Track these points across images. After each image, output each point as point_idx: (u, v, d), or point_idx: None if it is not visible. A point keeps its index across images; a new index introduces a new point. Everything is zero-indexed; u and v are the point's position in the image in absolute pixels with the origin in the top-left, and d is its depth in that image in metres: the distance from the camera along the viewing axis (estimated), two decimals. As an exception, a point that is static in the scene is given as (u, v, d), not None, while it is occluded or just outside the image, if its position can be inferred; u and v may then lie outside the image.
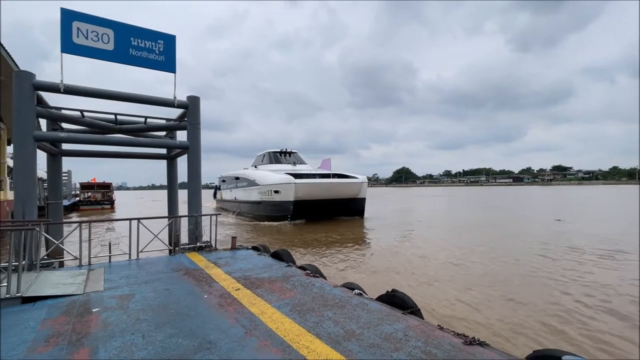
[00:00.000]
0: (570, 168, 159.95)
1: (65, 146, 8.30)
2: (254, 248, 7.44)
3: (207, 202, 34.46)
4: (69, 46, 6.12)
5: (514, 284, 7.17)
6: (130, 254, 6.45)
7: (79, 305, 3.87)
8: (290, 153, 25.70)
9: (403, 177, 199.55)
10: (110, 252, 6.34)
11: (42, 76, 6.07)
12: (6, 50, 7.99)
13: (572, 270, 8.14)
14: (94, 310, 3.72)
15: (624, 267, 8.36)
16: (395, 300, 3.85)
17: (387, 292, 4.05)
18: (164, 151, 9.45)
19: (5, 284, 4.02)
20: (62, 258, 6.36)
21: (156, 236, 6.78)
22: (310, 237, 13.61)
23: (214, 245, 7.52)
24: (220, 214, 9.64)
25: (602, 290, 6.62)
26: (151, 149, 8.81)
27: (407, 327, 3.16)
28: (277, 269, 5.52)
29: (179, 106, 7.50)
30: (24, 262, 4.75)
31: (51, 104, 6.99)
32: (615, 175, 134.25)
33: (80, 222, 6.18)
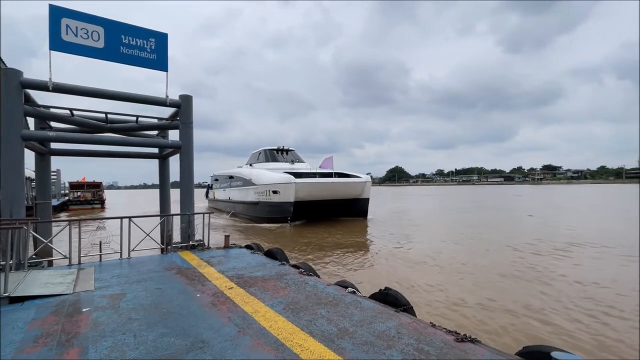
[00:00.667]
0: (560, 167, 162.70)
1: (54, 145, 8.16)
2: (248, 247, 7.42)
3: (199, 202, 33.90)
4: (57, 43, 6.02)
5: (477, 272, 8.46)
6: (121, 253, 6.37)
7: (69, 305, 3.82)
8: (287, 151, 24.46)
9: (396, 176, 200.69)
10: (100, 251, 6.26)
11: (29, 74, 5.96)
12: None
13: (524, 259, 9.69)
14: (84, 310, 3.67)
15: (561, 256, 9.88)
16: (389, 298, 3.87)
17: (381, 290, 4.08)
18: (156, 150, 9.36)
19: (-8, 285, 3.94)
20: (51, 257, 6.25)
21: (148, 235, 6.71)
22: (315, 241, 12.76)
23: (206, 244, 7.47)
24: (213, 213, 9.55)
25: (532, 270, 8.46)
26: (143, 148, 8.71)
27: (400, 325, 3.18)
28: (270, 267, 5.52)
29: (171, 105, 7.43)
30: (11, 262, 4.67)
31: (39, 102, 6.87)
32: (602, 175, 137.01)
33: (70, 221, 6.09)
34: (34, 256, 5.79)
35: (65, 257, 5.87)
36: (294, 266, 5.56)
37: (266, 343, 2.83)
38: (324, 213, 19.12)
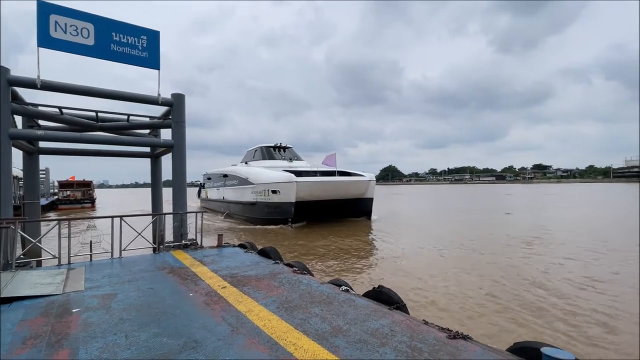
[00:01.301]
0: (550, 167, 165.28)
1: (43, 144, 8.01)
2: (241, 245, 7.39)
3: (191, 202, 33.24)
4: (46, 40, 5.90)
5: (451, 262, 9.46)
6: (112, 253, 6.29)
7: (58, 306, 3.76)
8: (285, 148, 23.24)
9: (390, 175, 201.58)
10: (91, 251, 6.17)
11: (16, 70, 5.84)
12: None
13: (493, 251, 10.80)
14: (74, 310, 3.61)
15: (524, 250, 10.82)
16: (382, 296, 3.90)
17: (374, 288, 4.10)
18: (147, 149, 9.25)
19: (-21, 286, 3.86)
20: (40, 257, 6.14)
21: (140, 234, 6.64)
22: (320, 244, 12.00)
23: (199, 243, 7.42)
24: (206, 212, 9.47)
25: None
26: (134, 147, 8.61)
27: (393, 323, 3.20)
28: (264, 266, 5.50)
29: (163, 104, 7.35)
30: (-1, 263, 4.57)
31: (27, 100, 6.73)
32: (591, 174, 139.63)
33: (60, 220, 5.99)
34: (22, 256, 5.69)
35: (54, 257, 5.78)
36: (288, 265, 5.55)
37: (260, 342, 2.83)
38: (325, 214, 18.15)
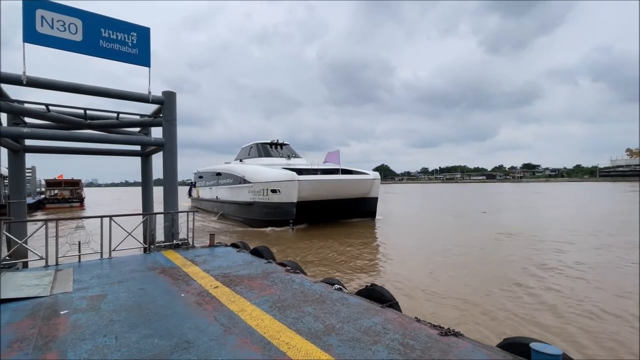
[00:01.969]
0: (539, 166, 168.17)
1: (29, 142, 7.82)
2: (233, 245, 7.34)
3: (182, 201, 32.36)
4: (32, 36, 5.75)
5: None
6: (102, 253, 6.18)
7: (46, 308, 3.68)
8: (282, 145, 22.08)
9: (382, 174, 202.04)
10: (80, 252, 6.05)
11: (1, 66, 5.68)
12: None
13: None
14: (62, 312, 3.55)
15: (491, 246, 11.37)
16: (374, 294, 3.92)
17: (367, 286, 4.12)
18: (138, 148, 9.10)
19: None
20: (27, 258, 6.00)
21: (130, 234, 6.54)
22: (327, 247, 11.15)
23: (191, 243, 7.34)
24: (197, 211, 9.38)
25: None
26: (124, 145, 8.46)
27: (386, 320, 3.22)
28: (256, 265, 5.48)
29: (154, 102, 7.25)
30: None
31: (12, 96, 6.56)
32: (578, 173, 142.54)
33: (47, 220, 5.86)
34: (7, 257, 5.54)
35: (41, 258, 5.65)
36: (281, 264, 5.54)
37: (253, 342, 2.82)
38: (328, 214, 17.11)
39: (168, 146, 7.39)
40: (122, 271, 5.23)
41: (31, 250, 5.83)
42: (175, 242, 7.22)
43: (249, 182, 17.39)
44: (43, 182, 36.65)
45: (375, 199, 18.04)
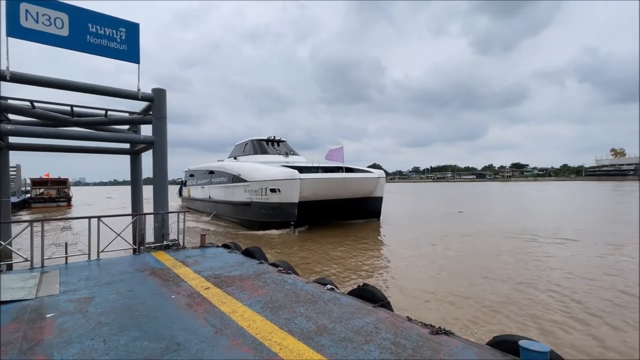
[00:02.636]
0: (527, 165, 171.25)
1: (13, 139, 7.61)
2: (225, 246, 7.28)
3: (172, 201, 31.02)
4: (15, 30, 5.59)
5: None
6: (89, 254, 6.06)
7: (31, 311, 3.59)
8: (279, 141, 20.98)
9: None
10: (66, 253, 5.91)
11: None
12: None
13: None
14: (48, 315, 3.46)
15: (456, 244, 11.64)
16: (366, 294, 3.93)
17: (359, 286, 4.13)
18: (127, 146, 8.94)
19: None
20: (11, 260, 5.85)
21: (119, 235, 6.42)
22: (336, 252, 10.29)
23: (182, 244, 7.26)
24: (188, 211, 9.26)
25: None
26: (113, 143, 8.30)
27: (378, 320, 3.24)
28: (248, 266, 5.44)
29: (143, 99, 7.13)
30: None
31: (-5, 92, 6.37)
32: (565, 173, 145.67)
33: (32, 221, 5.71)
34: (-10, 259, 5.39)
35: (26, 259, 5.51)
36: (273, 264, 5.51)
37: (244, 343, 2.79)
38: (330, 215, 16.28)
39: (158, 144, 7.27)
40: (110, 273, 5.14)
41: (15, 252, 5.68)
42: (165, 243, 7.13)
43: (246, 181, 16.31)
44: (28, 181, 35.76)
45: (380, 199, 17.33)
